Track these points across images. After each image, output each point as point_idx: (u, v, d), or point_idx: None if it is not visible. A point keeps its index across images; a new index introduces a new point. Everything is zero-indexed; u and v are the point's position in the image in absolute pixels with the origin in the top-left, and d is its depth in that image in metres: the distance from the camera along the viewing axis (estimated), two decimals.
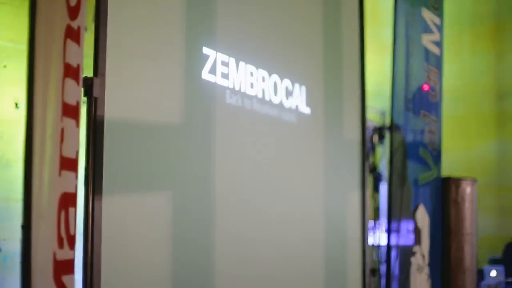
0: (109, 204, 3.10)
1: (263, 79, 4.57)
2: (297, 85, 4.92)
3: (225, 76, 4.21)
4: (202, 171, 3.98)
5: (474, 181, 6.88)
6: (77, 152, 2.59)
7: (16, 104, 5.01)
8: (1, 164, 5.00)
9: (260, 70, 4.54)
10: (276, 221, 4.61)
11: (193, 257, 3.82)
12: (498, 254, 7.99)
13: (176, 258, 3.68)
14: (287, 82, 4.81)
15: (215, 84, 4.12)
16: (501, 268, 7.59)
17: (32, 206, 2.46)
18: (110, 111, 3.11)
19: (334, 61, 5.50)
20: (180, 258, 3.70)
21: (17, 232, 4.88)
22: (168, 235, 3.64)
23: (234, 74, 4.29)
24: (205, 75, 4.05)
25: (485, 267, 8.36)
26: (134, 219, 3.36)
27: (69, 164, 2.51)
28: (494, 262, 8.07)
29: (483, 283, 7.86)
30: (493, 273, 7.44)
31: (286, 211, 4.73)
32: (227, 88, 4.23)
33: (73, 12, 2.52)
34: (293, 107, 4.86)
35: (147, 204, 3.47)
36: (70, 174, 2.54)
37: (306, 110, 5.02)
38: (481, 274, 7.70)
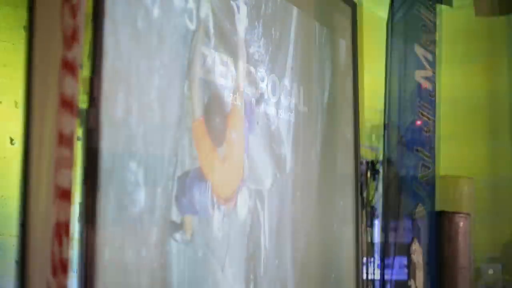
0: (104, 233, 3.11)
1: None
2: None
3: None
4: None
5: (467, 215, 6.90)
6: (72, 182, 2.60)
7: (12, 140, 5.03)
8: None
9: None
10: (269, 254, 4.60)
11: (190, 280, 3.80)
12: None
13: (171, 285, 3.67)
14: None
15: None
16: None
17: (27, 241, 2.46)
18: (105, 143, 3.14)
19: (329, 95, 5.55)
20: (175, 284, 3.69)
21: (11, 268, 4.87)
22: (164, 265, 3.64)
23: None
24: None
25: None
26: (129, 249, 3.36)
27: (63, 194, 2.51)
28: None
29: None
30: None
31: (279, 245, 4.73)
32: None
33: (69, 43, 2.54)
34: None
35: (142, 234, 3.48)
36: (65, 203, 2.54)
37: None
38: None
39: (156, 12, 3.66)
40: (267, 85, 4.67)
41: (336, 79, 5.68)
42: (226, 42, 4.27)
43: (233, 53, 4.32)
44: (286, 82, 4.93)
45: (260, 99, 4.59)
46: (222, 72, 4.21)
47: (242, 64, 4.41)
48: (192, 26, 3.95)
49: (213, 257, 3.99)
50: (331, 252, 5.43)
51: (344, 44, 5.87)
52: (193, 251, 3.84)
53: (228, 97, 4.22)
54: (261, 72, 4.62)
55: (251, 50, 4.53)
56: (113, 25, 3.30)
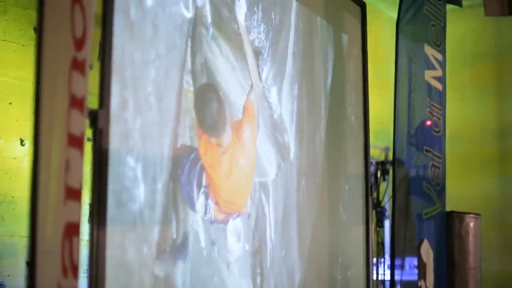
0: (113, 234, 3.11)
1: None
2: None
3: None
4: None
5: (477, 215, 6.88)
6: (82, 182, 2.60)
7: (22, 141, 5.05)
8: (6, 200, 5.02)
9: None
10: (275, 246, 4.57)
11: (198, 282, 3.80)
12: None
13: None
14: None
15: None
16: None
17: (37, 242, 2.46)
18: (115, 143, 3.14)
19: (338, 98, 5.53)
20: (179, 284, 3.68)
21: (21, 268, 4.89)
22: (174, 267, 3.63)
23: None
24: None
25: None
26: (139, 250, 3.36)
27: (73, 194, 2.52)
28: None
29: None
30: None
31: (286, 235, 4.71)
32: None
33: (79, 43, 2.54)
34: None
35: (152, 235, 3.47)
36: (75, 203, 2.54)
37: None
38: None
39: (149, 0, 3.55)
40: (268, 72, 4.62)
41: (339, 62, 5.60)
42: (226, 31, 4.17)
43: (233, 42, 4.23)
44: (288, 68, 4.87)
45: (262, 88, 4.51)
46: (222, 63, 4.12)
47: (249, 54, 4.34)
48: (188, 14, 3.84)
49: (218, 255, 3.96)
50: (338, 238, 5.39)
51: (346, 38, 5.82)
52: (198, 251, 3.80)
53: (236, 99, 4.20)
54: (262, 58, 4.54)
55: (251, 36, 4.43)
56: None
